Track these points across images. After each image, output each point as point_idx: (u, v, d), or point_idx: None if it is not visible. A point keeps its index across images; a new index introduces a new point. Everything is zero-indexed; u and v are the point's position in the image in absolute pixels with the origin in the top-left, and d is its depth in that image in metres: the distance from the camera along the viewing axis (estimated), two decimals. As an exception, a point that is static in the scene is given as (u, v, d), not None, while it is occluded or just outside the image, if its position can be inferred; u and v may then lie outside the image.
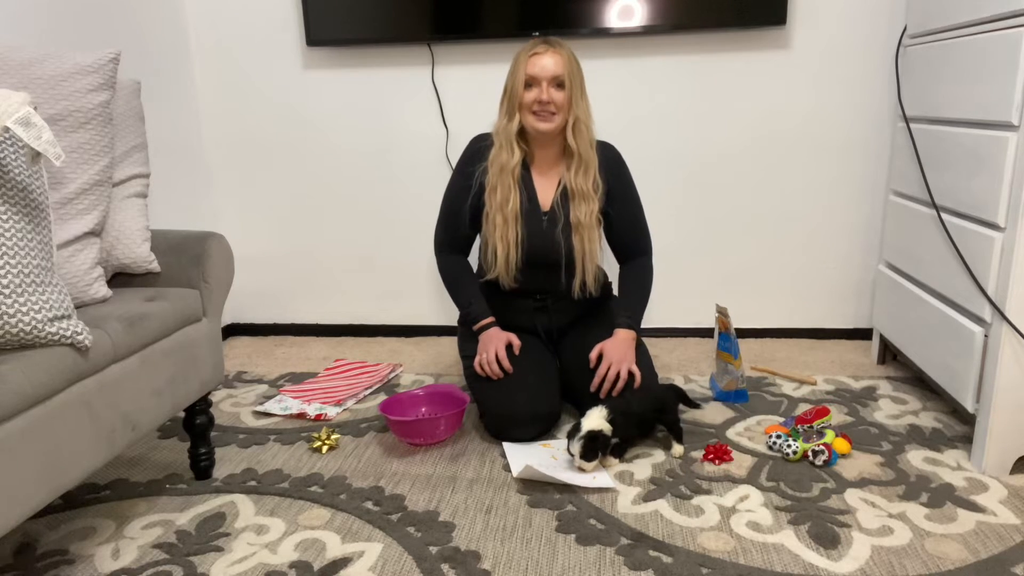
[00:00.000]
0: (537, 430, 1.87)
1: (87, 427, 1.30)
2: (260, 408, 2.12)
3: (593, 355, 1.89)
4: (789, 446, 1.76)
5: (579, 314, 2.07)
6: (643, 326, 2.03)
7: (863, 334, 2.59)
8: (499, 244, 1.91)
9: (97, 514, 1.61)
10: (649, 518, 1.54)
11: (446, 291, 2.06)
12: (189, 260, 1.67)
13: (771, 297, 2.62)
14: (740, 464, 1.75)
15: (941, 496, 1.59)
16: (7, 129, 1.20)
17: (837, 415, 1.99)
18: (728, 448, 1.79)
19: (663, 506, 1.58)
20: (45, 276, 1.24)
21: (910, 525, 1.49)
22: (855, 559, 1.39)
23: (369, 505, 1.61)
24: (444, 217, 2.03)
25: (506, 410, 1.85)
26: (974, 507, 1.55)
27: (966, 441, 1.83)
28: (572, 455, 1.69)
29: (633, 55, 2.46)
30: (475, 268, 2.08)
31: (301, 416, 2.07)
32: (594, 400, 1.81)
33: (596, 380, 1.87)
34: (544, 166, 1.95)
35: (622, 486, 1.66)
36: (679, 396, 1.94)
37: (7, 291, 1.17)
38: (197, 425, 1.71)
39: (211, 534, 1.52)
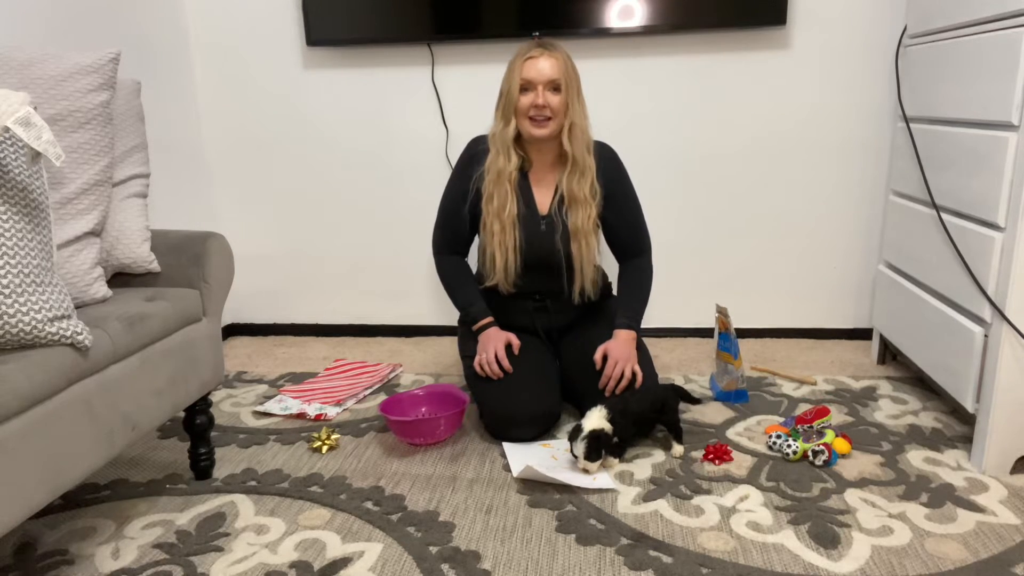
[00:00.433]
0: (537, 430, 1.87)
1: (87, 427, 1.30)
2: (260, 408, 2.12)
3: (598, 356, 1.89)
4: (789, 446, 1.76)
5: (579, 314, 2.07)
6: (643, 326, 2.03)
7: (863, 334, 2.59)
8: (497, 251, 1.91)
9: (97, 514, 1.61)
10: (649, 518, 1.54)
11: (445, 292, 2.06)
12: (189, 260, 1.67)
13: (771, 297, 2.62)
14: (740, 464, 1.75)
15: (941, 496, 1.59)
16: (7, 129, 1.20)
17: (837, 415, 1.99)
18: (728, 448, 1.79)
19: (663, 506, 1.58)
20: (45, 276, 1.24)
21: (910, 525, 1.49)
22: (855, 559, 1.39)
23: (369, 505, 1.61)
24: (442, 219, 2.03)
25: (506, 410, 1.85)
26: (974, 507, 1.55)
27: (966, 441, 1.83)
28: (576, 457, 1.69)
29: (633, 55, 2.46)
30: (474, 270, 2.08)
31: (301, 416, 2.07)
32: (595, 399, 1.81)
33: (603, 379, 1.87)
34: (541, 171, 1.95)
35: (622, 486, 1.66)
36: (678, 395, 1.94)
37: (7, 291, 1.17)
38: (197, 425, 1.71)
39: (211, 534, 1.52)
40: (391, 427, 1.89)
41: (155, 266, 1.66)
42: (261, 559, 1.44)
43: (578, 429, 1.68)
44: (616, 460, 1.76)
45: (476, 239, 2.04)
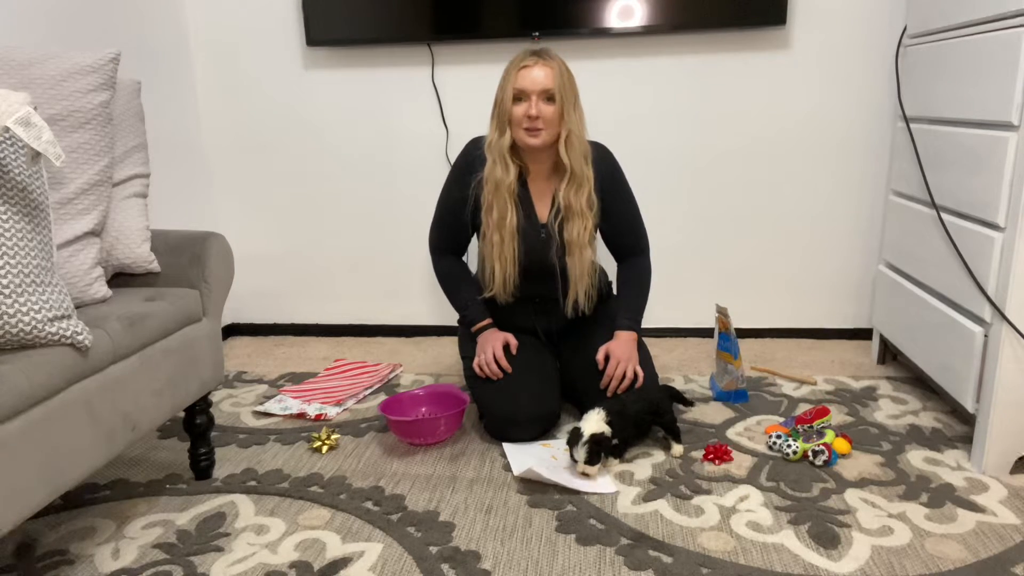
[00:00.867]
0: (537, 431, 1.87)
1: (87, 427, 1.30)
2: (260, 408, 2.12)
3: (600, 357, 1.89)
4: (789, 446, 1.76)
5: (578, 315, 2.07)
6: (643, 326, 2.03)
7: (863, 334, 2.59)
8: (497, 263, 1.89)
9: (97, 514, 1.61)
10: (649, 518, 1.54)
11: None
12: (189, 260, 1.67)
13: (771, 297, 2.62)
14: (740, 464, 1.75)
15: (941, 496, 1.59)
16: (7, 129, 1.20)
17: (837, 415, 1.99)
18: (728, 448, 1.79)
19: (663, 506, 1.58)
20: (45, 276, 1.24)
21: (910, 525, 1.49)
22: (855, 559, 1.39)
23: (369, 505, 1.61)
24: (439, 220, 2.02)
25: (506, 411, 1.85)
26: (974, 507, 1.55)
27: (966, 441, 1.83)
28: (576, 461, 1.68)
29: (633, 55, 2.46)
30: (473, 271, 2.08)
31: (301, 416, 2.07)
32: (595, 399, 1.80)
33: (605, 379, 1.87)
34: (540, 178, 1.93)
35: (622, 486, 1.66)
36: (673, 396, 1.94)
37: (7, 291, 1.17)
38: (197, 425, 1.71)
39: (211, 534, 1.52)
40: (391, 427, 1.89)
41: (155, 266, 1.66)
42: (261, 559, 1.44)
43: (578, 434, 1.67)
44: (616, 460, 1.76)
45: (475, 239, 2.04)
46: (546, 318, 2.04)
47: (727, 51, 2.43)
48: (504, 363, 1.89)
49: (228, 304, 2.77)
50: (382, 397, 2.19)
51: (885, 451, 1.79)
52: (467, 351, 2.02)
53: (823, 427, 1.84)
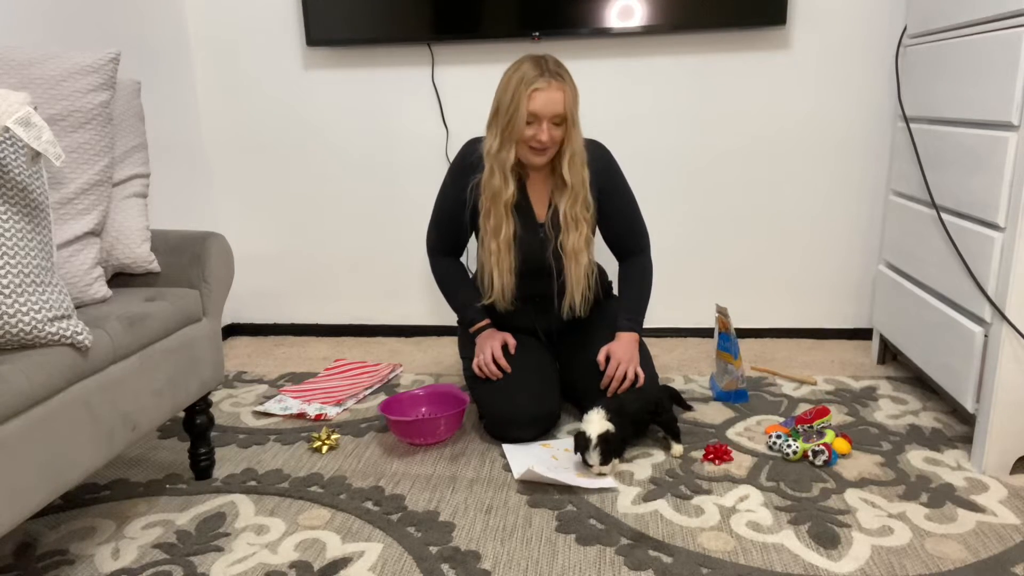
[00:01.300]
0: (537, 431, 1.87)
1: (87, 427, 1.30)
2: (260, 408, 2.12)
3: (600, 357, 1.89)
4: (789, 446, 1.76)
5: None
6: (643, 326, 2.02)
7: (863, 334, 2.59)
8: (495, 271, 1.89)
9: (97, 514, 1.61)
10: (649, 518, 1.54)
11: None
12: (189, 260, 1.67)
13: (771, 297, 2.62)
14: (740, 464, 1.75)
15: (941, 496, 1.59)
16: (7, 129, 1.20)
17: (837, 415, 1.99)
18: (728, 448, 1.79)
19: (663, 506, 1.58)
20: (45, 276, 1.24)
21: (910, 525, 1.49)
22: (855, 559, 1.39)
23: (369, 505, 1.61)
24: (437, 222, 2.02)
25: (506, 412, 1.85)
26: (974, 507, 1.55)
27: (966, 441, 1.83)
28: (590, 466, 1.68)
29: (633, 55, 2.46)
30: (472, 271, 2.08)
31: (301, 416, 2.07)
32: (595, 399, 1.80)
33: (605, 379, 1.87)
34: (538, 181, 1.93)
35: (622, 486, 1.66)
36: (672, 397, 1.94)
37: (7, 291, 1.17)
38: (197, 425, 1.71)
39: (211, 534, 1.52)
40: (391, 427, 1.89)
41: (155, 266, 1.66)
42: (261, 559, 1.44)
43: (585, 438, 1.66)
44: (616, 459, 1.76)
45: (474, 239, 2.03)
46: (545, 318, 2.04)
47: (727, 51, 2.43)
48: (503, 363, 1.89)
49: (228, 304, 2.78)
50: (382, 397, 2.19)
51: (885, 451, 1.79)
52: (467, 351, 2.02)
53: (823, 427, 1.84)
